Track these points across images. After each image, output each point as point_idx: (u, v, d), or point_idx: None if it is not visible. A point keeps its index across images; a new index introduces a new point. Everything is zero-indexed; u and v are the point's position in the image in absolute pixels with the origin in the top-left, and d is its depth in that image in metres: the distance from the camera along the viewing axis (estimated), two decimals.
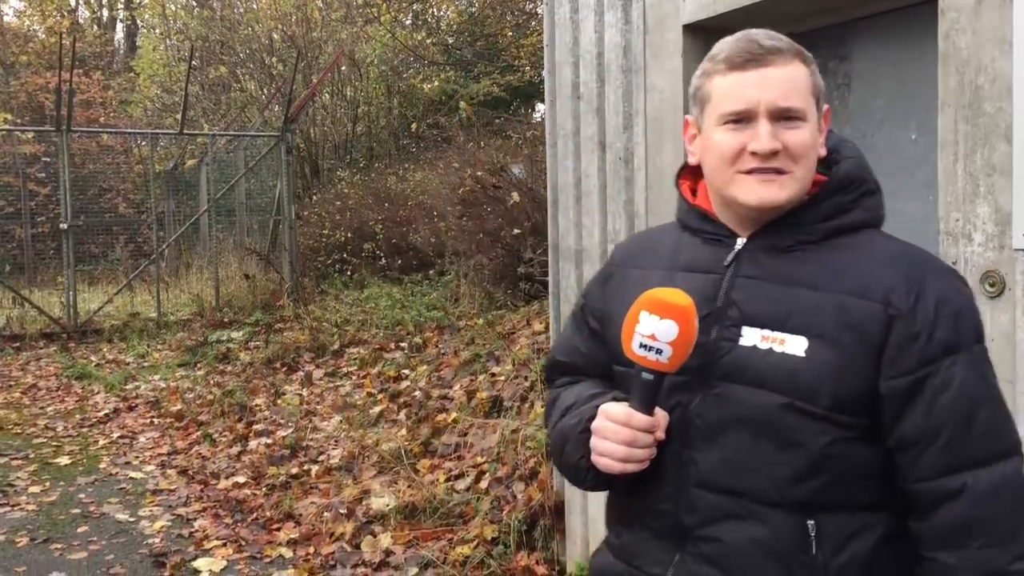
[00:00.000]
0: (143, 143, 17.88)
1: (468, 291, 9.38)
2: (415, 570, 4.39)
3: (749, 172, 1.48)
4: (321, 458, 6.15)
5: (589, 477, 1.58)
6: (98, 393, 8.92)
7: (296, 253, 13.25)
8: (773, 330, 1.46)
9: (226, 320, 12.00)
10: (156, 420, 7.83)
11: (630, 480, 1.53)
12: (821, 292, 1.45)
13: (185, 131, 13.84)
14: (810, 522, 1.42)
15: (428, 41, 18.20)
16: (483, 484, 4.97)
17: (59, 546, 5.03)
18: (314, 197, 16.06)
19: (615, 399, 1.54)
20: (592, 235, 3.87)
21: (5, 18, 25.06)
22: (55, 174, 13.48)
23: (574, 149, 3.94)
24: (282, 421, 7.18)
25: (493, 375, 6.42)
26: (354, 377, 8.13)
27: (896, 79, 3.15)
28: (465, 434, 5.67)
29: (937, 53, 2.62)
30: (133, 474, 6.37)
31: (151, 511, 5.59)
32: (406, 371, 7.63)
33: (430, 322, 8.88)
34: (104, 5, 27.65)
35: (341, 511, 5.10)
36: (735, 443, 1.46)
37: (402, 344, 8.56)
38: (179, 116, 13.60)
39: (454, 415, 6.02)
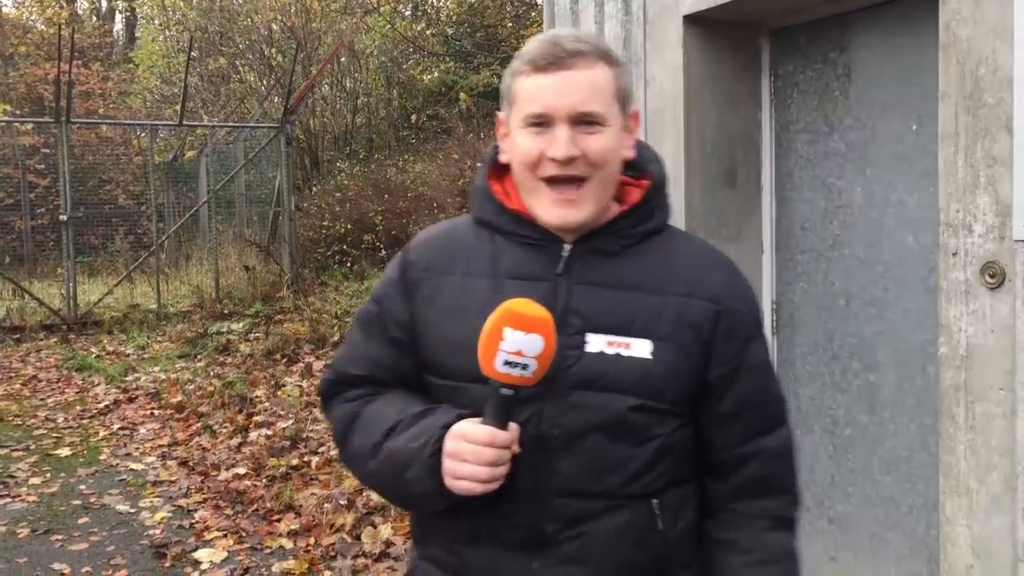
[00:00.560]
0: (142, 134, 17.87)
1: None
2: None
3: (548, 181, 1.48)
4: (321, 449, 6.16)
5: (439, 502, 1.47)
6: (98, 384, 8.93)
7: (296, 244, 13.25)
8: (618, 335, 1.49)
9: (226, 311, 12.00)
10: (156, 411, 7.84)
11: (472, 497, 1.45)
12: (660, 295, 1.52)
13: (184, 122, 13.83)
14: (654, 501, 1.53)
15: (428, 32, 18.16)
16: None
17: (60, 537, 5.04)
18: (314, 188, 16.04)
19: (460, 416, 1.45)
20: None
21: (4, 9, 25.01)
22: (54, 166, 13.46)
23: None
24: (282, 412, 7.18)
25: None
26: None
27: (896, 70, 3.14)
28: None
29: (938, 43, 2.62)
30: (133, 465, 6.38)
31: (152, 502, 5.60)
32: None
33: None
34: None
35: (341, 502, 5.11)
36: (594, 447, 1.48)
37: None
38: (178, 107, 13.58)
39: None
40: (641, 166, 1.61)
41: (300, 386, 7.89)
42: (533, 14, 16.55)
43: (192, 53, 14.67)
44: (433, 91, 17.78)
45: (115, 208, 16.95)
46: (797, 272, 3.52)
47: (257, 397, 7.71)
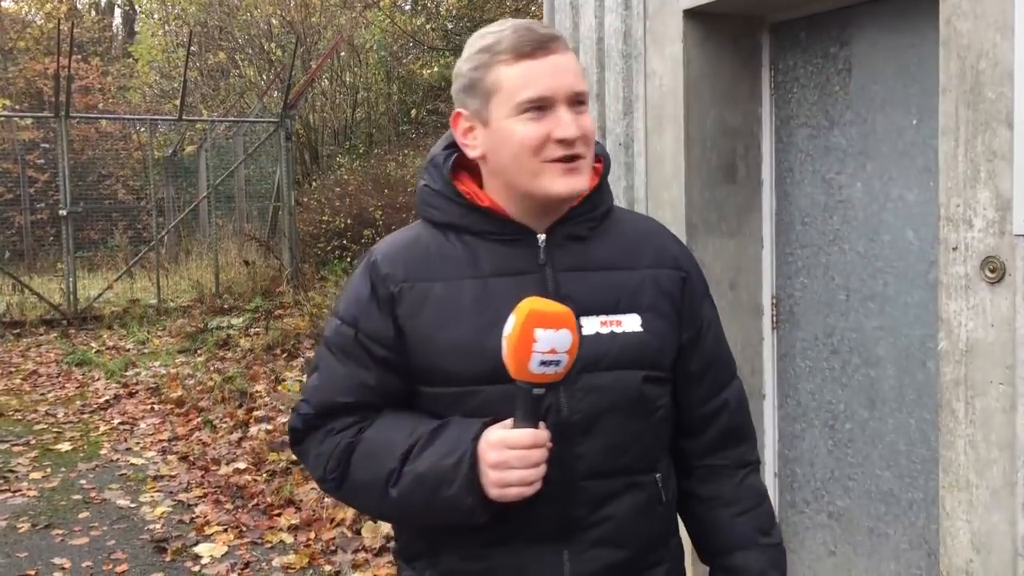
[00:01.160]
0: (142, 129, 17.83)
1: None
2: None
3: (555, 161, 1.48)
4: None
5: (482, 515, 1.45)
6: (98, 379, 8.94)
7: (296, 239, 13.25)
8: (609, 314, 1.54)
9: (226, 306, 12.01)
10: (156, 406, 7.84)
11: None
12: (635, 270, 1.60)
13: (184, 117, 13.81)
14: (657, 475, 1.61)
15: (428, 26, 18.13)
16: None
17: (60, 532, 5.04)
18: (313, 183, 16.03)
19: (484, 426, 1.45)
20: None
21: (3, 3, 24.96)
22: (54, 160, 13.46)
23: None
24: (282, 407, 7.19)
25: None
26: None
27: (897, 64, 3.14)
28: None
29: (938, 38, 2.62)
30: (134, 460, 6.39)
31: (152, 497, 5.61)
32: None
33: None
34: None
35: None
36: (612, 425, 1.53)
37: None
38: (178, 102, 13.57)
39: None
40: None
41: (300, 381, 7.90)
42: (533, 8, 16.52)
43: (191, 48, 14.65)
44: (433, 85, 17.76)
45: (115, 203, 16.94)
46: (797, 267, 3.52)
47: (257, 392, 7.72)
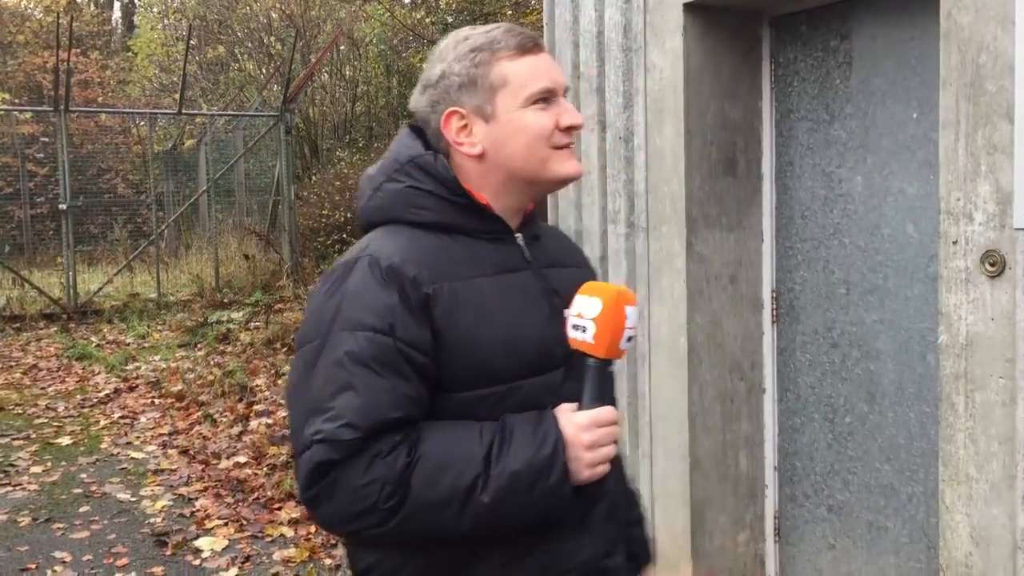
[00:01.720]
0: (141, 123, 17.82)
1: None
2: None
3: (562, 147, 1.57)
4: None
5: (572, 502, 1.48)
6: (99, 373, 8.94)
7: (296, 233, 13.24)
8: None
9: (226, 301, 12.01)
10: (157, 400, 7.85)
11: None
12: (576, 267, 1.72)
13: (184, 111, 13.80)
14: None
15: (427, 20, 18.09)
16: None
17: (61, 525, 5.05)
18: (313, 177, 16.01)
19: (544, 411, 1.49)
20: (592, 215, 3.86)
21: None
22: (54, 154, 13.44)
23: None
24: (282, 401, 7.19)
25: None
26: None
27: (897, 57, 3.13)
28: None
29: (939, 31, 2.61)
30: (134, 454, 6.39)
31: (152, 491, 5.62)
32: None
33: None
34: None
35: None
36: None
37: None
38: (177, 96, 13.55)
39: None
40: None
41: None
42: (533, 2, 16.49)
43: (191, 41, 14.63)
44: None
45: (114, 197, 16.92)
46: (797, 260, 3.52)
47: (257, 386, 7.72)
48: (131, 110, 18.40)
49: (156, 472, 5.98)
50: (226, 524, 5.00)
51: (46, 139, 16.00)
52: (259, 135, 14.24)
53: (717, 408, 3.56)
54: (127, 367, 9.09)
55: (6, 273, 12.89)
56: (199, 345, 9.87)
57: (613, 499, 1.64)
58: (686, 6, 3.36)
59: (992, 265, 2.51)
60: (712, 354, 3.53)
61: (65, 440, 6.75)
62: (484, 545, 1.48)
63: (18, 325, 11.43)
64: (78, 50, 19.89)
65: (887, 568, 3.30)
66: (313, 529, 4.83)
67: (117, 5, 28.50)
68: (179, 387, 7.95)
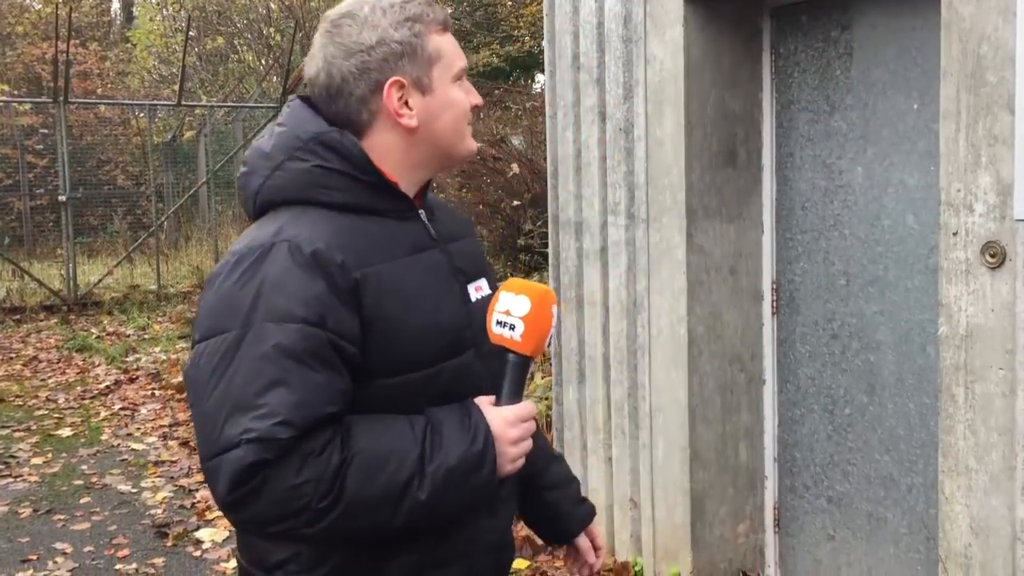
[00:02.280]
0: (141, 114, 17.78)
1: None
2: None
3: (468, 124, 1.59)
4: None
5: (495, 494, 1.49)
6: (99, 365, 8.94)
7: None
8: (476, 280, 1.62)
9: None
10: (157, 392, 7.85)
11: None
12: (469, 238, 1.70)
13: (183, 102, 13.77)
14: None
15: None
16: None
17: (62, 517, 5.06)
18: None
19: (468, 404, 1.48)
20: (592, 206, 3.86)
21: None
22: (53, 146, 13.43)
23: (574, 120, 3.92)
24: None
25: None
26: None
27: (898, 48, 3.13)
28: None
29: (940, 22, 2.60)
30: (135, 446, 6.40)
31: (153, 482, 5.62)
32: None
33: None
34: None
35: None
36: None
37: None
38: (176, 87, 13.53)
39: None
40: None
41: None
42: None
43: (190, 32, 14.60)
44: None
45: (114, 189, 16.91)
46: (797, 252, 3.52)
47: None
48: (130, 101, 18.38)
49: (157, 463, 5.99)
50: None
51: (45, 130, 15.97)
52: (259, 126, 14.22)
53: (717, 399, 3.56)
54: (127, 359, 9.09)
55: (6, 265, 12.89)
56: None
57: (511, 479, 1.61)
58: None
59: (992, 256, 2.51)
60: (712, 345, 3.53)
61: (66, 431, 6.76)
62: (405, 538, 1.46)
63: (18, 317, 11.43)
64: (77, 41, 19.84)
65: (886, 559, 3.30)
66: None
67: None
68: (180, 378, 7.95)
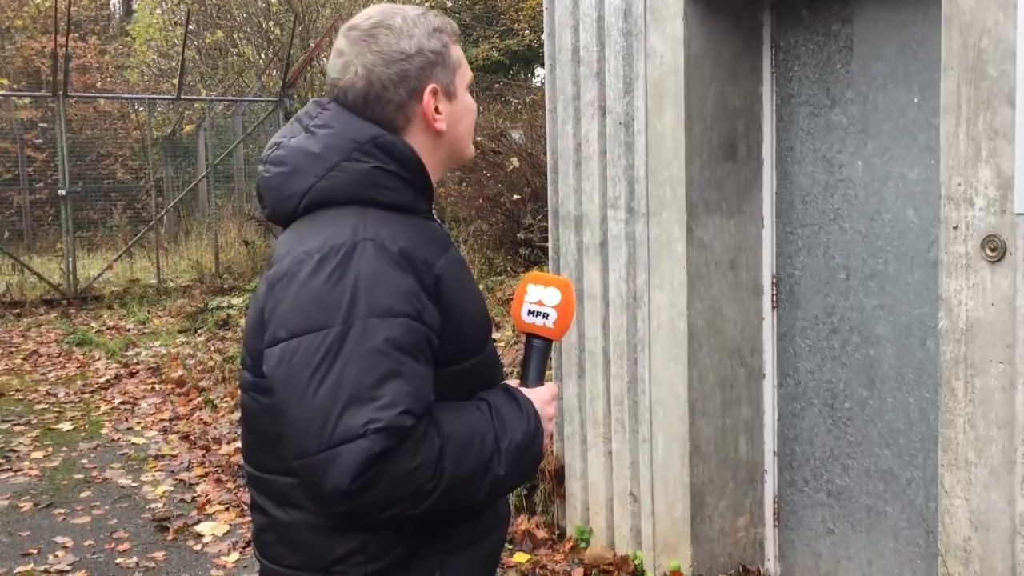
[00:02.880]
0: (140, 108, 17.78)
1: (468, 257, 9.37)
2: None
3: None
4: None
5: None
6: (99, 359, 8.94)
7: None
8: None
9: (226, 286, 12.00)
10: (157, 386, 7.85)
11: None
12: None
13: (182, 96, 13.75)
14: None
15: (426, 5, 18.03)
16: None
17: (62, 511, 5.06)
18: None
19: (508, 387, 1.62)
20: (592, 200, 3.86)
21: None
22: (52, 140, 13.41)
23: (574, 114, 3.92)
24: None
25: (493, 341, 6.43)
26: None
27: (898, 42, 3.12)
28: None
29: (940, 15, 2.60)
30: (135, 440, 6.40)
31: (153, 476, 5.63)
32: None
33: None
34: None
35: None
36: None
37: None
38: (176, 81, 13.51)
39: None
40: None
41: None
42: None
43: (189, 26, 14.57)
44: None
45: (114, 183, 16.89)
46: (797, 246, 3.52)
47: None
48: (130, 95, 18.35)
49: (157, 458, 5.99)
50: (227, 509, 5.01)
51: (45, 124, 15.96)
52: (258, 120, 14.20)
53: (717, 393, 3.56)
54: (127, 353, 9.09)
55: (6, 259, 12.88)
56: (199, 331, 9.87)
57: None
58: None
59: (992, 250, 2.50)
60: (712, 340, 3.53)
61: (66, 426, 6.76)
62: (458, 518, 1.56)
63: (18, 311, 11.43)
64: (76, 35, 19.81)
65: (886, 553, 3.31)
66: None
67: None
68: (179, 373, 7.96)
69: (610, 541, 3.95)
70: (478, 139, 9.55)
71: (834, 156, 3.35)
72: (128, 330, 10.35)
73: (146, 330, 10.32)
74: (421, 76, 1.58)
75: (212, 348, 8.84)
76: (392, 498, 1.38)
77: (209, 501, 5.12)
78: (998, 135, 2.47)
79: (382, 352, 1.39)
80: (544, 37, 4.14)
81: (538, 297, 1.65)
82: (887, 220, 3.20)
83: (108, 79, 22.26)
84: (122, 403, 7.40)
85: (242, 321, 9.82)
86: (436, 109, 1.60)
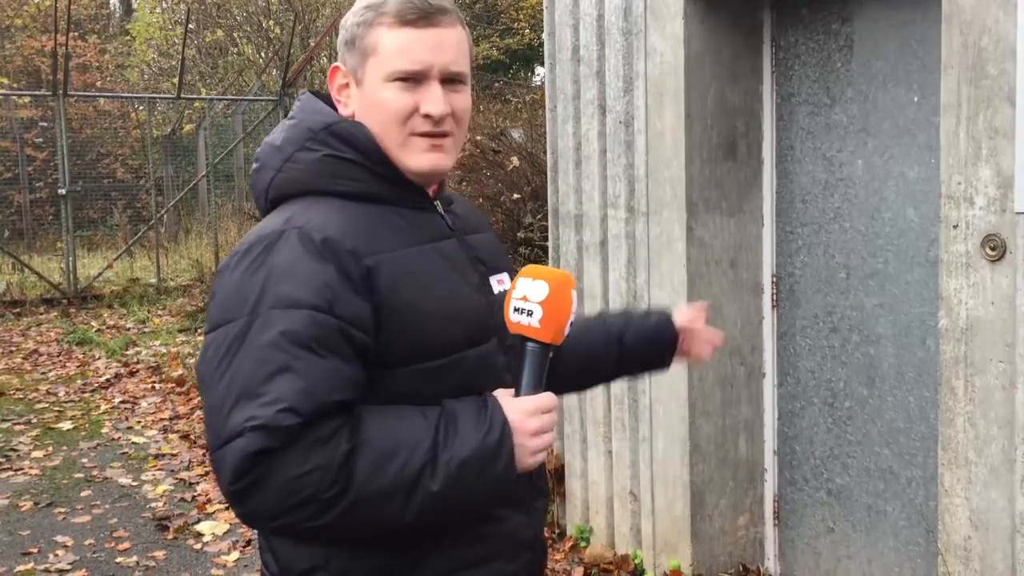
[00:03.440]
0: (140, 108, 17.77)
1: None
2: None
3: (421, 135, 1.47)
4: None
5: (512, 487, 1.43)
6: (99, 358, 8.95)
7: None
8: (499, 273, 1.61)
9: None
10: (157, 385, 7.86)
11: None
12: (488, 232, 1.68)
13: (182, 95, 13.76)
14: None
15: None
16: None
17: (63, 510, 5.06)
18: None
19: (487, 396, 1.43)
20: (592, 199, 3.85)
21: None
22: (52, 139, 13.41)
23: (574, 113, 3.91)
24: None
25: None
26: None
27: (898, 40, 3.12)
28: None
29: (940, 14, 2.60)
30: (135, 439, 6.40)
31: (154, 475, 5.63)
32: None
33: None
34: None
35: None
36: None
37: None
38: (176, 80, 13.51)
39: None
40: None
41: None
42: None
43: (189, 25, 14.57)
44: None
45: (114, 182, 16.89)
46: (797, 245, 3.51)
47: None
48: (130, 95, 18.35)
49: (157, 457, 6.00)
50: (227, 508, 5.01)
51: (45, 124, 15.96)
52: (258, 120, 14.20)
53: (717, 392, 3.56)
54: (127, 352, 9.10)
55: (6, 258, 12.88)
56: (199, 330, 9.87)
57: (540, 473, 1.59)
58: None
59: (992, 249, 2.50)
60: None
61: (66, 425, 6.77)
62: (439, 538, 1.43)
63: (18, 310, 11.43)
64: (76, 34, 19.81)
65: (886, 551, 3.31)
66: None
67: None
68: (179, 372, 7.96)
69: (610, 540, 3.95)
70: (478, 138, 9.55)
71: (834, 155, 3.35)
72: (128, 329, 10.35)
73: (146, 329, 10.32)
74: (339, 53, 1.50)
75: None
76: (284, 504, 1.27)
77: (209, 500, 5.13)
78: (998, 134, 2.47)
79: (276, 346, 1.30)
80: (544, 36, 4.14)
81: (524, 292, 1.43)
82: (887, 219, 3.19)
83: (108, 78, 22.26)
84: (122, 402, 7.40)
85: None
86: (346, 91, 1.51)
